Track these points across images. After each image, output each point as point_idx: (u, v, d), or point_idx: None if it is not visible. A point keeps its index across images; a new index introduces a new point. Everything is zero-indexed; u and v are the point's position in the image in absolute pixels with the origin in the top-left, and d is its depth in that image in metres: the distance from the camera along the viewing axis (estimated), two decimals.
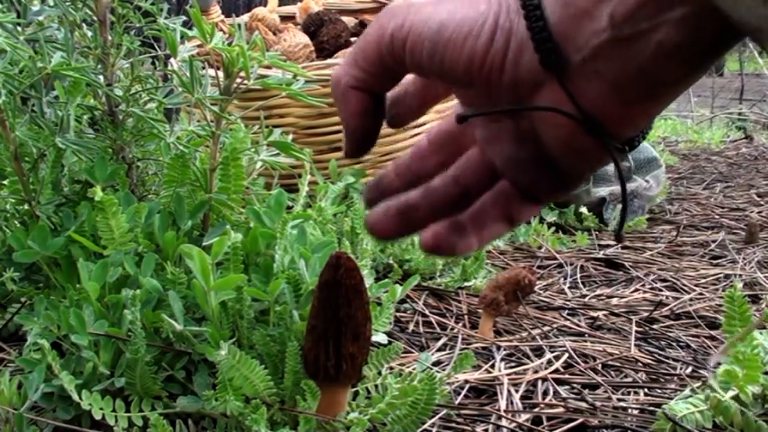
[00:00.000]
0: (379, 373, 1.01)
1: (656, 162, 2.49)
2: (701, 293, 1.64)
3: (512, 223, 0.48)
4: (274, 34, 2.18)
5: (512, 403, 1.06)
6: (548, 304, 1.54)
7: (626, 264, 1.87)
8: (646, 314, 1.49)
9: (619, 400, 1.09)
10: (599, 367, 1.21)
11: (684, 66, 0.38)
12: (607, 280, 1.77)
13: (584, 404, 1.06)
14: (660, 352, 1.30)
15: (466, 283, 1.57)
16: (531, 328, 1.36)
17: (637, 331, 1.39)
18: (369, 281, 1.13)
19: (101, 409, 0.85)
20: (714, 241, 2.17)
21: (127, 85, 1.13)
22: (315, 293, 0.84)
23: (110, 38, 1.10)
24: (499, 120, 0.45)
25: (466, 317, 1.42)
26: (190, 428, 0.90)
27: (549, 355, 1.22)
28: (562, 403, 1.07)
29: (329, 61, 1.83)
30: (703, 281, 1.75)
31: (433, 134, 0.51)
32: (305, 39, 2.07)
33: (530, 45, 0.40)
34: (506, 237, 1.99)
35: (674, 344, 1.35)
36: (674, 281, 1.73)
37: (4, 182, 1.12)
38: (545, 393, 1.10)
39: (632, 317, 1.46)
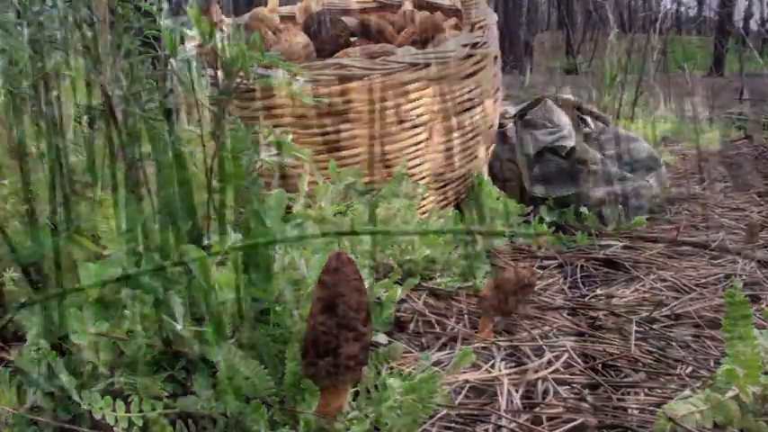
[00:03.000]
0: (379, 373, 1.01)
1: (657, 162, 2.49)
2: (701, 293, 1.64)
3: None
4: (274, 34, 2.18)
5: (512, 403, 1.06)
6: (548, 304, 1.53)
7: (626, 264, 1.87)
8: (646, 314, 1.48)
9: (619, 400, 1.09)
10: (599, 367, 1.21)
11: None
12: (607, 280, 1.77)
13: (584, 404, 1.06)
14: (660, 352, 1.30)
15: (466, 283, 1.57)
16: (531, 328, 1.36)
17: (637, 331, 1.38)
18: (369, 281, 1.13)
19: (101, 409, 0.85)
20: (714, 241, 2.17)
21: (127, 85, 1.13)
22: (314, 294, 0.84)
23: (110, 38, 1.10)
24: None
25: (466, 317, 1.42)
26: (190, 428, 0.90)
27: (549, 355, 1.22)
28: (562, 403, 1.07)
29: (329, 61, 1.82)
30: (703, 281, 1.75)
31: None
32: (305, 39, 2.07)
33: None
34: (506, 237, 1.99)
35: (673, 344, 1.35)
36: (674, 281, 1.73)
37: (4, 182, 1.12)
38: (545, 393, 1.10)
39: (632, 317, 1.46)
